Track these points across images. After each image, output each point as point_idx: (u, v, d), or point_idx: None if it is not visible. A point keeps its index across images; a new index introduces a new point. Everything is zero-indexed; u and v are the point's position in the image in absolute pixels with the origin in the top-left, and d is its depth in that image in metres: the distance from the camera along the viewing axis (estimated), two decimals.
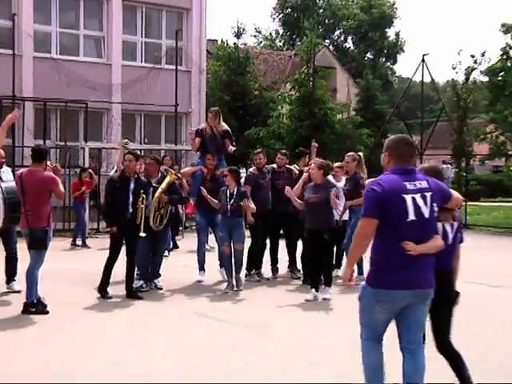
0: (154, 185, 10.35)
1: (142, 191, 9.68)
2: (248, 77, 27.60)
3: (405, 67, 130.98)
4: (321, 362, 6.51)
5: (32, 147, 9.36)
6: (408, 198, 4.81)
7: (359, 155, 11.49)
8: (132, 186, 9.65)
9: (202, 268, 11.30)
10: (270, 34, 64.64)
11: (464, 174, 22.69)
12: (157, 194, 10.24)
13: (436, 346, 5.45)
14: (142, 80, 22.84)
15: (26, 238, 8.57)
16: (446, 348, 5.44)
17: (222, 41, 32.92)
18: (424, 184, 4.91)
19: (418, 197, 4.83)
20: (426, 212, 4.85)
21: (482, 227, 22.03)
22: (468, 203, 22.57)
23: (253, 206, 10.45)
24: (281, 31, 64.18)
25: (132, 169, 9.78)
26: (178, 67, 22.79)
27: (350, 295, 7.66)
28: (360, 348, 5.10)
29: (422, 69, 22.96)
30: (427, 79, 23.92)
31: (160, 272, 10.57)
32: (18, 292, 9.48)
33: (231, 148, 11.75)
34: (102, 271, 9.62)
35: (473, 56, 23.90)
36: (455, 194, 5.37)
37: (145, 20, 24.26)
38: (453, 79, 24.22)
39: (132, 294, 9.69)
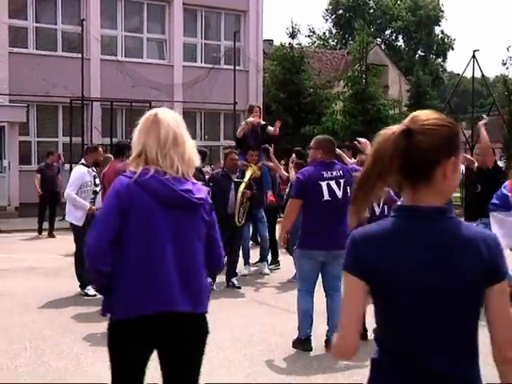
0: (236, 180, 9.71)
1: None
2: (303, 75, 27.14)
3: (456, 63, 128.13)
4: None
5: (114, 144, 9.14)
6: (323, 183, 6.28)
7: None
8: (233, 184, 9.57)
9: (246, 262, 10.66)
10: (324, 33, 63.93)
11: None
12: (241, 189, 9.57)
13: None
14: (202, 80, 22.78)
15: None
16: None
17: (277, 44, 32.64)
18: (340, 173, 6.39)
19: (332, 183, 6.30)
20: (339, 194, 6.30)
21: None
22: None
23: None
24: (333, 31, 63.47)
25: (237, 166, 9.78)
26: (236, 67, 22.60)
27: None
28: None
29: (473, 65, 22.29)
30: (478, 74, 23.19)
31: (236, 271, 9.84)
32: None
33: (273, 128, 11.10)
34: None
35: None
36: None
37: (204, 23, 24.20)
38: (502, 74, 23.37)
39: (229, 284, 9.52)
